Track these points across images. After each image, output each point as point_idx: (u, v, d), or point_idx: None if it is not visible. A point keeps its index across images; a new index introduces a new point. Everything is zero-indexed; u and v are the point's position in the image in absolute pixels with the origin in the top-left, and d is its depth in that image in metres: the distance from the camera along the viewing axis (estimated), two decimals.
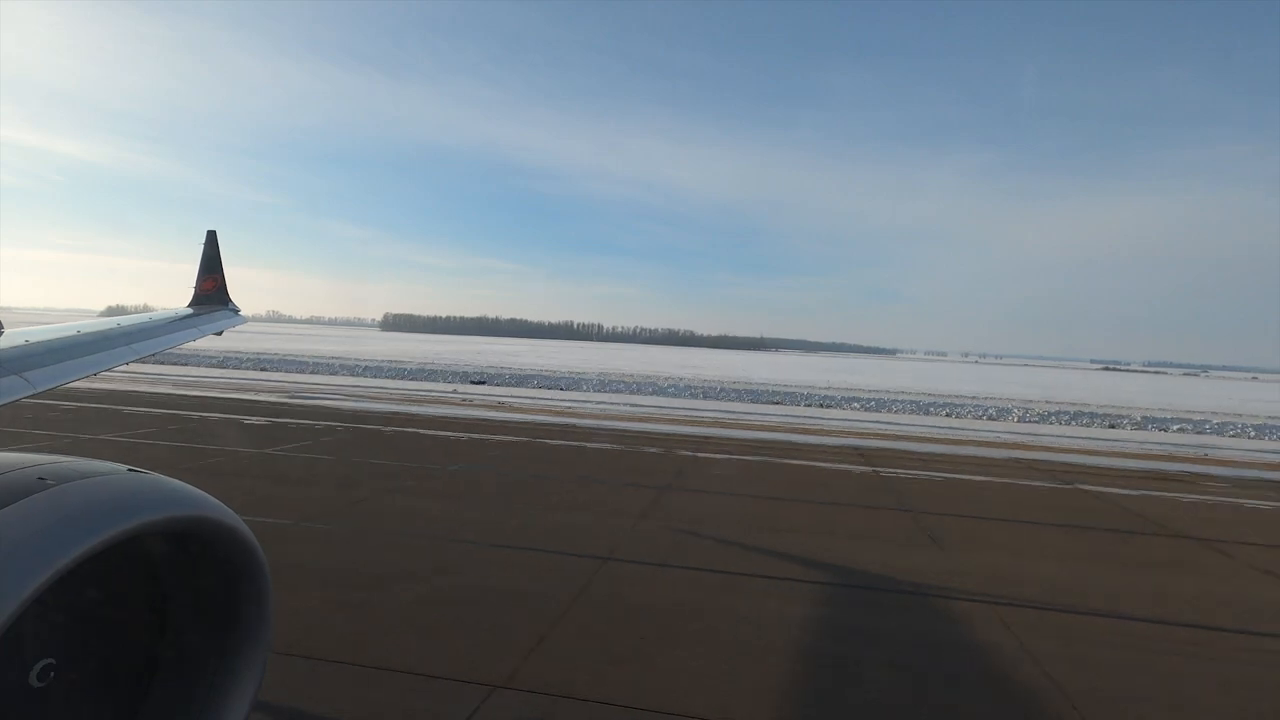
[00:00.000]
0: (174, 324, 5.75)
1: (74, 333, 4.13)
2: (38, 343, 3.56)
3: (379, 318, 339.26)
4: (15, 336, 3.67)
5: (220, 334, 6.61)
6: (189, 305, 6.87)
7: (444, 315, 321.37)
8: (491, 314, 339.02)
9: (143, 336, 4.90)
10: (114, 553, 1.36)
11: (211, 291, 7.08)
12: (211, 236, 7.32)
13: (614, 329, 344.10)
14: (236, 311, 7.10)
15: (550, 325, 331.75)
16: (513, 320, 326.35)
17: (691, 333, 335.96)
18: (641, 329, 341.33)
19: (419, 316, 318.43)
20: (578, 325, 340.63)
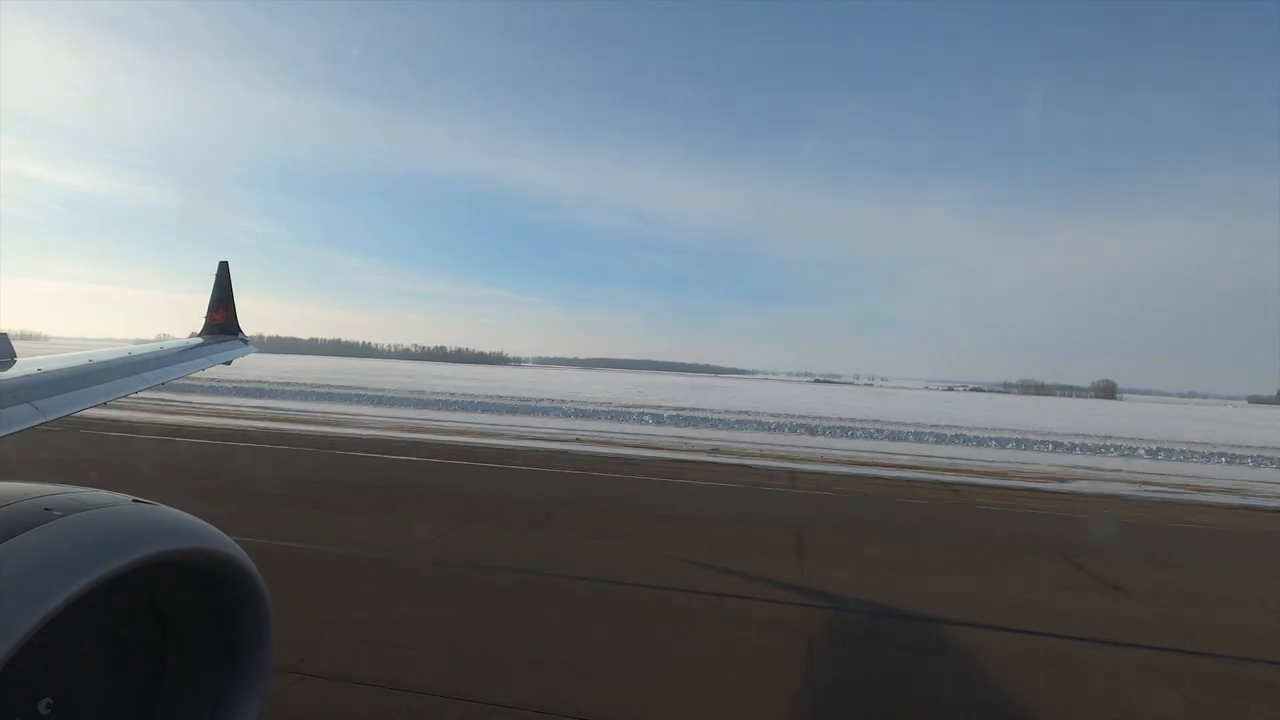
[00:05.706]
0: (185, 353, 5.68)
1: (85, 361, 4.09)
2: (50, 371, 3.56)
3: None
4: (27, 365, 3.67)
5: (229, 364, 6.54)
6: (200, 334, 6.81)
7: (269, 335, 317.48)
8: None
9: (154, 365, 4.85)
10: (118, 584, 1.35)
11: (222, 321, 7.02)
12: (224, 267, 7.27)
13: (392, 347, 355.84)
14: (246, 342, 7.03)
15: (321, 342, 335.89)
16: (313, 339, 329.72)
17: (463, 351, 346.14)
18: (419, 346, 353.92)
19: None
20: (353, 341, 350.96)
